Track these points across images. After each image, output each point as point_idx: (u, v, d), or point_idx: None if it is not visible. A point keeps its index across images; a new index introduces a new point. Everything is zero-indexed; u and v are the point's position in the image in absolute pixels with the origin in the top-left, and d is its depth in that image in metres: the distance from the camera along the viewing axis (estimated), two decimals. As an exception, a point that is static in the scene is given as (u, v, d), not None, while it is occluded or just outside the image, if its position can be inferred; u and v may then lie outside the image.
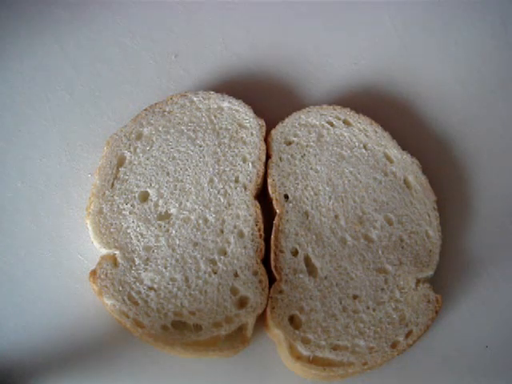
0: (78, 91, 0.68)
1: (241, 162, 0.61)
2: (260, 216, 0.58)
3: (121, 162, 0.61)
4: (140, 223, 0.58)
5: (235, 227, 0.58)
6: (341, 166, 0.61)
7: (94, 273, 0.55)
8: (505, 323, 0.58)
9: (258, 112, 0.64)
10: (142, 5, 0.73)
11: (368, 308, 0.55)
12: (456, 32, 0.72)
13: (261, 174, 0.61)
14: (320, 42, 0.72)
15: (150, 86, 0.68)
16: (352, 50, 0.72)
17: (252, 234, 0.58)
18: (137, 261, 0.56)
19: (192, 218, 0.58)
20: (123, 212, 0.58)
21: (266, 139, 0.63)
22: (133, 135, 0.62)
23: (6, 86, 0.68)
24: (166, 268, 0.56)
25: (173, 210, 0.58)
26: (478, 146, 0.66)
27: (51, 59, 0.69)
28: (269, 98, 0.68)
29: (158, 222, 0.58)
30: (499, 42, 0.71)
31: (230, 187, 0.60)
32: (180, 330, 0.53)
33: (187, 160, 0.61)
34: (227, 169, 0.61)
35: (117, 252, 0.56)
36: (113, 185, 0.60)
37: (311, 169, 0.61)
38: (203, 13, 0.73)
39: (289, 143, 0.63)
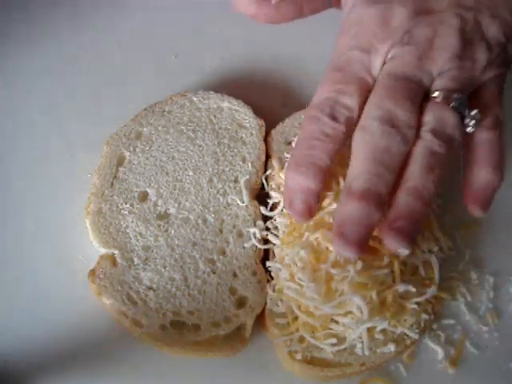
0: (78, 91, 0.68)
1: (240, 162, 0.61)
2: (259, 216, 0.58)
3: (120, 161, 0.61)
4: (139, 223, 0.58)
5: (234, 227, 0.58)
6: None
7: (93, 272, 0.55)
8: (505, 322, 0.57)
9: (258, 112, 0.64)
10: (142, 5, 0.74)
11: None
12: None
13: (260, 174, 0.61)
14: (320, 41, 0.72)
15: (150, 86, 0.68)
16: (352, 50, 0.71)
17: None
18: (136, 260, 0.56)
19: (191, 217, 0.58)
20: (122, 212, 0.58)
21: (266, 139, 0.63)
22: (132, 135, 0.62)
23: (5, 87, 0.68)
24: (164, 268, 0.56)
25: (172, 210, 0.59)
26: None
27: (51, 59, 0.70)
28: (269, 98, 0.68)
29: (158, 221, 0.58)
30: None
31: (230, 187, 0.60)
32: (179, 329, 0.53)
33: (187, 160, 0.61)
34: (226, 169, 0.61)
35: (116, 252, 0.56)
36: (112, 184, 0.60)
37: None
38: (203, 13, 0.73)
39: (289, 143, 0.63)
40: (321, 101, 0.50)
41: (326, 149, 0.48)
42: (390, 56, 0.50)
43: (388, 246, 0.46)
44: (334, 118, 0.49)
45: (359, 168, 0.46)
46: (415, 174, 0.46)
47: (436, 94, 0.48)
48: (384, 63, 0.50)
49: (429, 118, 0.48)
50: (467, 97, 0.49)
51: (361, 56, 0.50)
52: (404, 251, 0.46)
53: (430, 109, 0.48)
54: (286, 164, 0.51)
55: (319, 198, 0.49)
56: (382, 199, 0.46)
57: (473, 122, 0.49)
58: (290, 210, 0.50)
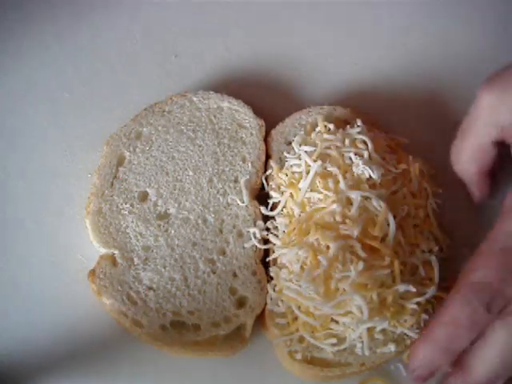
0: (78, 91, 0.68)
1: (240, 162, 0.61)
2: (259, 216, 0.58)
3: (120, 161, 0.61)
4: (139, 223, 0.58)
5: (234, 227, 0.58)
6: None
7: (92, 272, 0.55)
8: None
9: (258, 112, 0.64)
10: (142, 5, 0.74)
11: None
12: (456, 32, 0.72)
13: (260, 174, 0.61)
14: (320, 42, 0.72)
15: (150, 86, 0.68)
16: (352, 50, 0.71)
17: (251, 234, 0.58)
18: (136, 260, 0.56)
19: (191, 217, 0.58)
20: (122, 212, 0.58)
21: (266, 139, 0.63)
22: (132, 135, 0.62)
23: (5, 86, 0.68)
24: (164, 268, 0.56)
25: (172, 210, 0.59)
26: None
27: (51, 59, 0.70)
28: (269, 98, 0.68)
29: (158, 221, 0.58)
30: (499, 41, 0.70)
31: (230, 187, 0.60)
32: (178, 329, 0.53)
33: (186, 160, 0.61)
34: (226, 169, 0.61)
35: (116, 252, 0.56)
36: (112, 184, 0.60)
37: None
38: (203, 13, 0.73)
39: (289, 143, 0.63)
40: (482, 285, 0.47)
41: (469, 338, 0.47)
42: None
43: None
44: (489, 309, 0.46)
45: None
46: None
47: None
48: None
49: None
50: None
51: None
52: None
53: None
54: (420, 337, 0.51)
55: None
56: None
57: None
58: (412, 378, 0.51)
